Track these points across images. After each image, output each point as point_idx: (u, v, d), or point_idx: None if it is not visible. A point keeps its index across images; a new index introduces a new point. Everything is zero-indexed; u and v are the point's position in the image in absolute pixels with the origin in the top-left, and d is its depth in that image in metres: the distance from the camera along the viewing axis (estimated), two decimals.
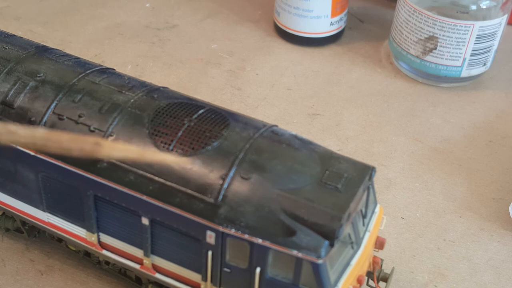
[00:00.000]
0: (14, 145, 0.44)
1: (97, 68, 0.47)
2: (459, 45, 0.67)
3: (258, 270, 0.39)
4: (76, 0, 0.84)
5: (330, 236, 0.38)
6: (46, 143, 0.34)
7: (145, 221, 0.42)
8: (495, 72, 0.74)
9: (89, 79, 0.46)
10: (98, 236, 0.45)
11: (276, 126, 0.44)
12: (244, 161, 0.40)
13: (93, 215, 0.44)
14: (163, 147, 0.41)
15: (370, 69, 0.74)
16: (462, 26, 0.65)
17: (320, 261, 0.38)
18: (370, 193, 0.43)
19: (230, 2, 0.85)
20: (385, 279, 0.47)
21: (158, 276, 0.45)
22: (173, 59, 0.74)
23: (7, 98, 0.45)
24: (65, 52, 0.50)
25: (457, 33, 0.66)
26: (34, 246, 0.53)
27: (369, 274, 0.47)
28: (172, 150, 0.41)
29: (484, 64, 0.70)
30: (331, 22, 0.75)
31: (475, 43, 0.67)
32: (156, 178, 0.41)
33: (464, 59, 0.68)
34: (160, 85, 0.47)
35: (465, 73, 0.69)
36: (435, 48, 0.68)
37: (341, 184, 0.40)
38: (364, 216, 0.43)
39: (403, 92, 0.71)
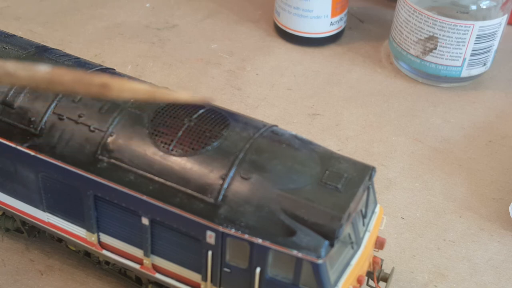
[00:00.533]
0: (14, 145, 0.44)
1: (97, 68, 0.47)
2: (459, 45, 0.67)
3: (258, 270, 0.39)
4: (76, 0, 0.84)
5: (330, 236, 0.38)
6: (48, 86, 0.32)
7: (145, 221, 0.42)
8: (495, 72, 0.74)
9: None
10: (98, 236, 0.45)
11: (276, 126, 0.44)
12: (244, 161, 0.40)
13: (93, 215, 0.44)
14: (163, 147, 0.41)
15: (370, 69, 0.74)
16: (462, 26, 0.65)
17: (320, 261, 0.38)
18: (370, 193, 0.43)
19: (230, 2, 0.85)
20: (385, 279, 0.47)
21: (158, 276, 0.45)
22: (173, 59, 0.74)
23: (7, 98, 0.45)
24: (65, 52, 0.50)
25: (457, 33, 0.66)
26: (34, 246, 0.53)
27: (369, 274, 0.47)
28: (172, 150, 0.41)
29: (484, 64, 0.70)
30: (331, 22, 0.75)
31: (475, 43, 0.67)
32: (156, 178, 0.41)
33: (464, 59, 0.68)
34: (160, 85, 0.47)
35: (465, 73, 0.69)
36: (435, 48, 0.68)
37: (341, 184, 0.40)
38: (364, 216, 0.43)
39: (403, 92, 0.71)
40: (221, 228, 0.39)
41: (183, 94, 0.33)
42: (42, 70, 0.31)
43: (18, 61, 0.34)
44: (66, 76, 0.31)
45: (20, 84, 0.32)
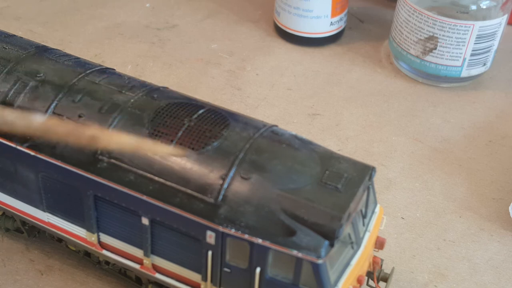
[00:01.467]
0: (14, 145, 0.44)
1: (97, 68, 0.47)
2: (459, 45, 0.67)
3: (258, 270, 0.39)
4: (76, 0, 0.84)
5: (330, 236, 0.38)
6: (43, 135, 0.35)
7: (145, 221, 0.42)
8: (495, 72, 0.74)
9: (89, 79, 0.46)
10: (98, 236, 0.45)
11: (276, 126, 0.44)
12: (244, 161, 0.40)
13: (93, 215, 0.44)
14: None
15: (370, 69, 0.74)
16: (462, 26, 0.65)
17: (320, 261, 0.38)
18: (370, 193, 0.43)
19: (230, 2, 0.85)
20: (385, 279, 0.47)
21: (158, 276, 0.45)
22: (173, 59, 0.74)
23: (7, 98, 0.45)
24: (65, 52, 0.50)
25: (457, 33, 0.66)
26: (34, 246, 0.53)
27: (369, 274, 0.47)
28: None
29: (484, 64, 0.70)
30: (331, 22, 0.75)
31: (475, 43, 0.67)
32: (156, 178, 0.41)
33: (464, 59, 0.68)
34: (160, 85, 0.47)
35: (465, 73, 0.69)
36: (435, 48, 0.68)
37: (341, 184, 0.40)
38: (364, 216, 0.43)
39: (403, 92, 0.71)
40: (221, 228, 0.39)
41: (164, 148, 0.37)
42: (38, 120, 0.35)
43: (16, 110, 0.38)
44: (60, 128, 0.35)
45: (18, 132, 0.36)
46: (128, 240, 0.44)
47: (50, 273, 0.51)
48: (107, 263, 0.49)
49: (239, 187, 0.39)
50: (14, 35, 0.51)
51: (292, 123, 0.66)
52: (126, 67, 0.72)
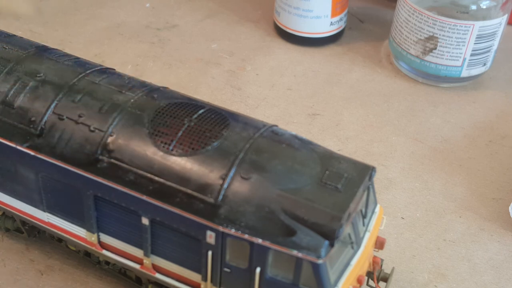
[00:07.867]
0: (14, 145, 0.44)
1: (97, 68, 0.47)
2: (459, 45, 0.67)
3: (258, 270, 0.39)
4: (76, 0, 0.84)
5: (330, 236, 0.38)
6: None
7: (145, 221, 0.42)
8: (495, 72, 0.74)
9: (89, 79, 0.46)
10: (98, 236, 0.45)
11: (276, 126, 0.44)
12: (244, 161, 0.40)
13: (93, 215, 0.44)
14: (163, 147, 0.41)
15: (370, 69, 0.74)
16: (462, 26, 0.65)
17: (320, 261, 0.38)
18: (370, 193, 0.43)
19: (230, 2, 0.85)
20: (385, 279, 0.47)
21: (158, 276, 0.45)
22: (173, 59, 0.74)
23: (7, 98, 0.45)
24: (65, 52, 0.50)
25: (457, 33, 0.66)
26: (34, 246, 0.53)
27: (369, 274, 0.47)
28: (172, 150, 0.41)
29: (484, 64, 0.70)
30: (331, 22, 0.75)
31: (475, 43, 0.67)
32: (156, 178, 0.41)
33: (464, 59, 0.68)
34: (160, 85, 0.47)
35: (465, 73, 0.69)
36: (435, 48, 0.68)
37: (341, 184, 0.40)
38: (364, 216, 0.43)
39: (403, 92, 0.71)
40: (221, 228, 0.39)
41: None
42: None
43: None
44: None
45: None
46: (128, 240, 0.44)
47: (50, 273, 0.51)
48: (107, 263, 0.49)
49: (239, 187, 0.39)
50: (14, 35, 0.51)
51: (292, 123, 0.66)
52: (126, 67, 0.72)
